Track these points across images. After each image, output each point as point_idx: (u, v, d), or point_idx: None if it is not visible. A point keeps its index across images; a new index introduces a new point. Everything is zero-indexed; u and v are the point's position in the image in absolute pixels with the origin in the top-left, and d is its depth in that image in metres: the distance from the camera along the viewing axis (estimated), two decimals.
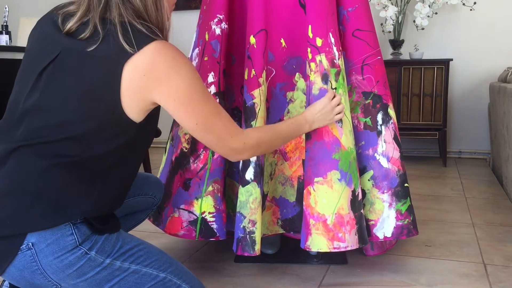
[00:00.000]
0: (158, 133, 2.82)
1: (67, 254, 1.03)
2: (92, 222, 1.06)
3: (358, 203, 1.56)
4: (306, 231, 1.54)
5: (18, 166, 1.03)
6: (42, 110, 1.04)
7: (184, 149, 1.66)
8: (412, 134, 3.49)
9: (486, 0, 3.58)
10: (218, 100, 1.63)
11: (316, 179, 1.53)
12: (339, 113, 1.51)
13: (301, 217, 1.65)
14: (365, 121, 1.67)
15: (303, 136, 1.62)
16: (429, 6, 3.44)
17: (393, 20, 3.54)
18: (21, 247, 1.01)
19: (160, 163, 2.08)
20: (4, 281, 1.24)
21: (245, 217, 1.52)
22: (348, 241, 1.52)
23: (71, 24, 1.05)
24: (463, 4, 3.50)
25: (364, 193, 1.65)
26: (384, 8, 3.49)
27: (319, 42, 1.54)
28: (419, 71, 3.43)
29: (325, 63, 1.54)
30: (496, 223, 2.20)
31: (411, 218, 1.64)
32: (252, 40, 1.56)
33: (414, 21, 3.58)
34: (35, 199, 1.01)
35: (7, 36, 3.23)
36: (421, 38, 3.75)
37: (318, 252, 1.76)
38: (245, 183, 1.53)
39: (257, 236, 1.52)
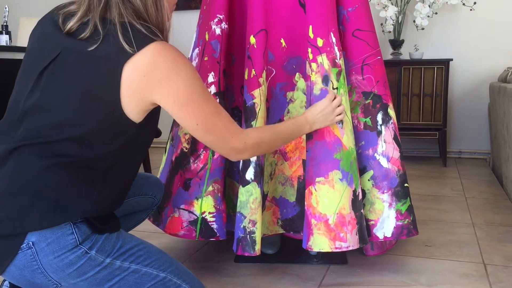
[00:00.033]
0: (158, 133, 2.82)
1: (67, 253, 1.03)
2: (92, 221, 1.06)
3: (358, 203, 1.56)
4: (308, 231, 1.54)
5: (18, 166, 1.03)
6: (43, 110, 1.04)
7: (184, 149, 1.66)
8: (412, 134, 3.49)
9: (486, 0, 3.58)
10: (218, 100, 1.63)
11: (317, 179, 1.53)
12: (339, 114, 1.51)
13: (301, 217, 1.65)
14: (365, 121, 1.67)
15: (303, 136, 1.62)
16: (429, 6, 3.44)
17: (393, 20, 3.54)
18: (21, 246, 1.01)
19: (160, 163, 2.08)
20: (4, 280, 1.24)
21: (245, 217, 1.52)
22: (350, 241, 1.52)
23: (71, 24, 1.06)
24: (463, 4, 3.50)
25: (364, 193, 1.65)
26: (384, 8, 3.49)
27: (320, 42, 1.54)
28: (419, 71, 3.44)
29: (326, 63, 1.54)
30: (496, 223, 2.20)
31: (411, 218, 1.64)
32: (252, 40, 1.56)
33: (414, 21, 3.58)
34: (35, 199, 1.01)
35: (7, 36, 3.23)
36: (421, 38, 3.75)
37: (318, 252, 1.76)
38: (245, 183, 1.53)
39: (257, 236, 1.52)
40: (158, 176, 1.72)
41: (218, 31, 1.63)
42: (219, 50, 1.64)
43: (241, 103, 1.71)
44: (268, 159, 1.65)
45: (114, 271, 1.08)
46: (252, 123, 1.54)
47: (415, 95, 3.46)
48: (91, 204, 1.06)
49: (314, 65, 1.55)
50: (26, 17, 3.65)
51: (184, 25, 3.84)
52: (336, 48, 1.55)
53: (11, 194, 1.02)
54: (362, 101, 1.67)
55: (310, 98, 1.56)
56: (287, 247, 1.84)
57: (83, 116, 1.03)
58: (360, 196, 1.57)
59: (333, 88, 1.55)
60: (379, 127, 1.66)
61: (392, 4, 3.51)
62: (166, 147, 1.80)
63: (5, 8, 3.36)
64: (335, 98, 1.51)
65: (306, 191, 1.55)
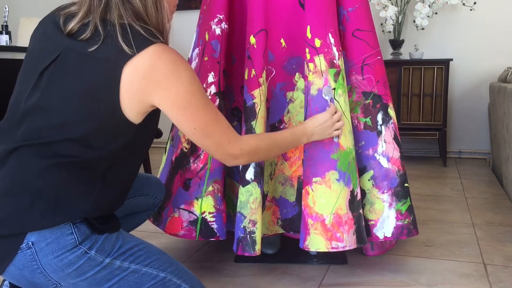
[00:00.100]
0: (159, 133, 2.82)
1: (66, 253, 1.03)
2: (92, 221, 1.07)
3: (356, 203, 1.56)
4: (305, 231, 1.54)
5: (18, 166, 1.03)
6: (43, 110, 1.04)
7: (184, 149, 1.66)
8: (412, 134, 3.49)
9: (486, 0, 3.58)
10: (218, 100, 1.63)
11: (314, 179, 1.53)
12: (337, 129, 1.50)
13: (301, 217, 1.65)
14: (365, 121, 1.67)
15: None
16: (429, 6, 3.44)
17: (393, 20, 3.54)
18: (21, 246, 1.01)
19: (160, 163, 2.08)
20: (4, 280, 1.24)
21: (245, 217, 1.52)
22: (347, 241, 1.52)
23: (72, 24, 1.06)
24: (463, 4, 3.50)
25: (364, 193, 1.65)
26: (384, 8, 3.49)
27: (317, 43, 1.54)
28: (419, 71, 3.44)
29: (324, 64, 1.54)
30: (496, 223, 2.20)
31: (411, 218, 1.64)
32: (252, 40, 1.56)
33: (414, 21, 3.58)
34: (35, 199, 1.01)
35: (7, 36, 3.23)
36: (421, 38, 3.75)
37: (318, 252, 1.76)
38: (246, 183, 1.54)
39: (258, 236, 1.52)
40: (158, 176, 1.72)
41: (218, 31, 1.63)
42: (219, 50, 1.64)
43: (241, 103, 1.71)
44: (268, 159, 1.65)
45: (113, 271, 1.09)
46: (252, 123, 1.54)
47: (415, 95, 3.46)
48: (91, 204, 1.06)
49: (311, 65, 1.55)
50: (26, 17, 3.65)
51: (184, 25, 3.84)
52: (334, 49, 1.55)
53: (11, 194, 1.02)
54: (362, 101, 1.67)
55: (307, 98, 1.56)
56: (287, 247, 1.84)
57: (83, 116, 1.04)
58: (359, 197, 1.57)
59: (331, 89, 1.54)
60: (379, 127, 1.66)
61: (392, 4, 3.51)
62: (166, 147, 1.80)
63: (5, 8, 3.36)
64: (335, 112, 1.50)
65: (303, 191, 1.55)
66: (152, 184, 1.51)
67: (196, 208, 1.63)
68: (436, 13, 3.58)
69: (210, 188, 1.62)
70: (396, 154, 1.65)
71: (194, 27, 1.90)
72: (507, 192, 2.70)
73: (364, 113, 1.67)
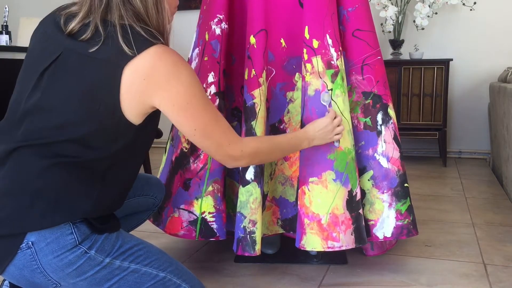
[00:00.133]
0: (159, 134, 2.82)
1: (66, 253, 1.03)
2: (92, 221, 1.07)
3: (355, 203, 1.56)
4: (301, 230, 1.54)
5: (18, 166, 1.03)
6: (44, 111, 1.04)
7: (184, 149, 1.66)
8: (412, 134, 3.49)
9: (486, 0, 3.58)
10: (218, 100, 1.63)
11: (311, 179, 1.53)
12: (338, 133, 1.50)
13: None
14: (365, 121, 1.67)
15: None
16: (429, 6, 3.44)
17: (393, 20, 3.54)
18: (20, 246, 1.01)
19: (160, 163, 2.08)
20: (4, 280, 1.24)
21: (245, 217, 1.52)
22: (343, 241, 1.52)
23: (73, 25, 1.06)
24: (463, 4, 3.50)
25: (364, 193, 1.65)
26: (384, 8, 3.49)
27: (315, 43, 1.54)
28: (419, 71, 3.44)
29: (321, 65, 1.54)
30: (496, 223, 2.20)
31: (411, 218, 1.64)
32: (252, 40, 1.56)
33: (414, 21, 3.58)
34: (35, 199, 1.01)
35: (7, 36, 3.23)
36: (421, 38, 3.75)
37: (318, 252, 1.76)
38: (246, 183, 1.54)
39: (258, 236, 1.52)
40: (158, 176, 1.72)
41: (218, 31, 1.63)
42: (219, 50, 1.64)
43: (241, 103, 1.71)
44: None
45: (113, 270, 1.09)
46: (252, 123, 1.54)
47: (415, 95, 3.46)
48: (91, 204, 1.06)
49: (309, 66, 1.55)
50: (26, 17, 3.65)
51: (184, 25, 3.84)
52: (332, 50, 1.55)
53: (11, 194, 1.02)
54: (362, 101, 1.67)
55: (304, 98, 1.56)
56: (287, 247, 1.84)
57: (83, 117, 1.04)
58: (358, 197, 1.57)
59: (328, 90, 1.54)
60: (379, 127, 1.66)
61: (392, 4, 3.51)
62: (166, 147, 1.80)
63: (5, 8, 3.36)
64: (335, 117, 1.50)
65: (299, 190, 1.55)
66: (152, 184, 1.51)
67: (196, 208, 1.63)
68: (436, 13, 3.58)
69: (210, 188, 1.62)
70: (396, 154, 1.65)
71: (194, 27, 1.90)
72: (507, 192, 2.70)
73: (364, 113, 1.67)
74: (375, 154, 1.65)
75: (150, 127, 1.14)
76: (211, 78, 1.63)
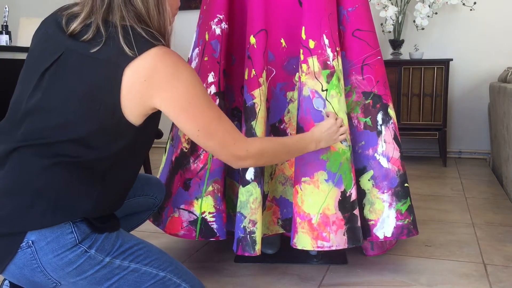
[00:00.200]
0: (159, 134, 2.82)
1: (66, 252, 1.03)
2: (92, 220, 1.07)
3: (349, 204, 1.55)
4: (294, 229, 1.55)
5: (19, 166, 1.04)
6: (44, 111, 1.04)
7: (184, 149, 1.66)
8: (412, 134, 3.49)
9: (486, 0, 3.58)
10: (218, 100, 1.63)
11: (303, 179, 1.54)
12: (342, 134, 1.50)
13: None
14: (365, 121, 1.67)
15: None
16: (429, 6, 3.44)
17: (393, 20, 3.54)
18: (21, 245, 1.02)
19: (160, 163, 2.08)
20: (4, 279, 1.24)
21: (245, 217, 1.52)
22: (333, 241, 1.52)
23: (75, 25, 1.06)
24: (463, 4, 3.50)
25: (364, 193, 1.65)
26: (384, 8, 3.49)
27: (311, 44, 1.54)
28: (419, 71, 3.44)
29: (317, 65, 1.54)
30: (496, 223, 2.20)
31: (411, 218, 1.64)
32: (252, 40, 1.56)
33: (414, 21, 3.58)
34: (35, 199, 1.02)
35: (7, 36, 3.23)
36: (421, 38, 3.75)
37: (318, 252, 1.76)
38: (246, 183, 1.54)
39: (258, 236, 1.52)
40: (158, 176, 1.72)
41: (218, 31, 1.63)
42: (219, 50, 1.64)
43: (241, 103, 1.71)
44: None
45: (113, 270, 1.09)
46: (252, 123, 1.54)
47: (415, 95, 3.46)
48: (91, 204, 1.06)
49: (304, 66, 1.55)
50: (26, 17, 3.65)
51: (184, 25, 3.83)
52: (328, 50, 1.55)
53: (11, 193, 1.02)
54: (362, 101, 1.67)
55: (299, 98, 1.56)
56: (287, 247, 1.84)
57: (83, 117, 1.04)
58: (353, 197, 1.56)
59: (322, 90, 1.54)
60: (379, 127, 1.66)
61: (392, 4, 3.51)
62: (166, 147, 1.80)
63: (5, 8, 3.36)
64: (336, 118, 1.50)
65: (293, 190, 1.56)
66: (152, 184, 1.51)
67: (196, 208, 1.63)
68: (436, 13, 3.58)
69: (210, 188, 1.62)
70: (396, 154, 1.65)
71: (194, 27, 1.90)
72: (507, 192, 2.70)
73: (364, 113, 1.67)
74: (375, 154, 1.65)
75: (151, 127, 1.14)
76: (211, 78, 1.63)
